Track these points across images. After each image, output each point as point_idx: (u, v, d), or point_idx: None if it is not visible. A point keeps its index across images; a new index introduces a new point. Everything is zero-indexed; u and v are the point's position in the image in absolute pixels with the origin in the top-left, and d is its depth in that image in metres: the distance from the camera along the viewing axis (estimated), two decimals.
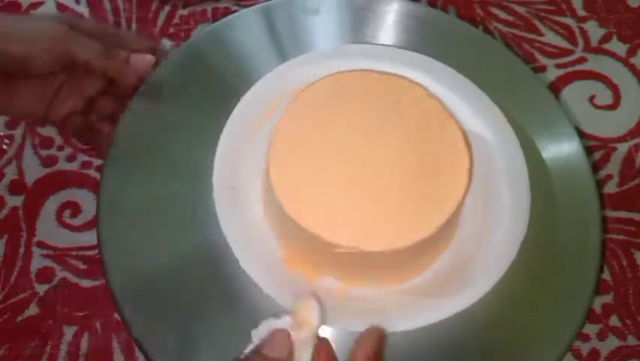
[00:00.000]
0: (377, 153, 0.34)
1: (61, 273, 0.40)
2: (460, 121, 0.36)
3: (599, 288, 0.42)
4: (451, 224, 0.33)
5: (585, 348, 0.40)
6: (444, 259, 0.35)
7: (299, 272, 0.34)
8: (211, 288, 0.34)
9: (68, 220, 0.42)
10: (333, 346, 0.31)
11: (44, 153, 0.44)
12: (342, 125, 0.34)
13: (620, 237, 0.44)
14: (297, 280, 0.33)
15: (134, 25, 0.49)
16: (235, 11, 0.49)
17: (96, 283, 0.40)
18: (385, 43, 0.41)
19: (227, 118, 0.37)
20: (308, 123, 0.34)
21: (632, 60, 0.51)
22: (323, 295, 0.31)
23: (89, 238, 0.41)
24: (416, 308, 0.33)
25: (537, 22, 0.52)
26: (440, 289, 0.34)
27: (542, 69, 0.50)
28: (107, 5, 0.50)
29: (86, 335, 0.39)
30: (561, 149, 0.39)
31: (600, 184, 0.45)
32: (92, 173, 0.44)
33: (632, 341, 0.41)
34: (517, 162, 0.37)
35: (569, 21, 0.52)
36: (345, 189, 0.33)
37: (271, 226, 0.35)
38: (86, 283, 0.40)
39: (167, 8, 0.50)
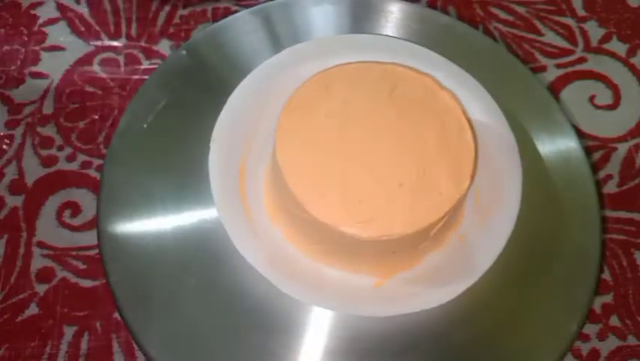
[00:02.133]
0: (383, 139, 0.33)
1: (61, 273, 0.40)
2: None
3: (599, 288, 0.42)
4: (463, 199, 0.33)
5: (585, 348, 0.40)
6: (445, 248, 0.35)
7: (305, 262, 0.34)
8: (213, 287, 0.34)
9: (68, 220, 0.42)
10: (337, 331, 0.31)
11: (44, 153, 0.44)
12: (345, 115, 0.34)
13: (620, 237, 0.44)
14: (303, 271, 0.33)
15: (134, 25, 0.49)
16: (235, 11, 0.49)
17: (96, 283, 0.40)
18: None
19: None
20: (313, 113, 0.34)
21: (632, 60, 0.51)
22: (329, 282, 0.31)
23: (89, 238, 0.41)
24: (417, 294, 0.33)
25: (537, 22, 0.52)
26: (440, 278, 0.34)
27: (542, 69, 0.50)
28: (107, 5, 0.50)
29: (85, 335, 0.39)
30: (561, 149, 0.39)
31: (600, 184, 0.45)
32: (92, 173, 0.44)
33: (632, 341, 0.41)
34: (508, 146, 0.37)
35: (569, 21, 0.52)
36: (358, 177, 0.32)
37: (275, 220, 0.35)
38: (86, 283, 0.40)
39: (167, 8, 0.50)
